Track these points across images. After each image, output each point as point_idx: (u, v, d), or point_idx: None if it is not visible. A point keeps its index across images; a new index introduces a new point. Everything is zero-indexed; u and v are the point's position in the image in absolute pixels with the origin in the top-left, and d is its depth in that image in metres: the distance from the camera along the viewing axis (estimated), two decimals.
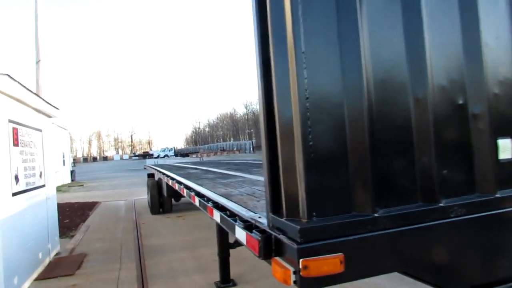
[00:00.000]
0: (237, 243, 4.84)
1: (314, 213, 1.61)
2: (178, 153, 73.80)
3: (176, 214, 10.51)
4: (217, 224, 4.66)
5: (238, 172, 6.66)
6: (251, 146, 55.85)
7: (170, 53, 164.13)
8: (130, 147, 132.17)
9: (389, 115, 1.75)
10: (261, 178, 4.51)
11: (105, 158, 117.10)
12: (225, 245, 4.71)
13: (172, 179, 6.55)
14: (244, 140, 78.68)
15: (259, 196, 3.78)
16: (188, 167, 10.19)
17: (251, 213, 2.54)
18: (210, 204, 3.79)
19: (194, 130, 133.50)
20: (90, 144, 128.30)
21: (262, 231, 2.02)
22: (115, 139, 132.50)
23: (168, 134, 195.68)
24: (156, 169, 9.46)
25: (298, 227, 1.55)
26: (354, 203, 1.65)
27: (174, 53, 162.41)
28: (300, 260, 1.55)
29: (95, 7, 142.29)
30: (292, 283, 1.64)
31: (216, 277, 5.02)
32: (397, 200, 1.74)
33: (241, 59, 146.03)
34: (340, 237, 1.57)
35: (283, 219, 1.69)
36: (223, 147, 64.17)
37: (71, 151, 29.82)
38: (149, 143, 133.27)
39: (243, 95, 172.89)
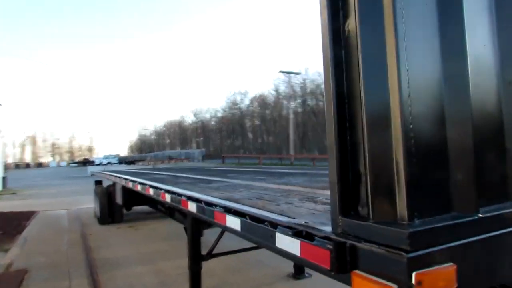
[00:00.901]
0: (211, 255, 4.47)
1: (416, 213, 1.32)
2: (123, 161, 70.62)
3: (127, 224, 9.76)
4: (191, 233, 4.27)
5: (217, 177, 6.17)
6: (200, 155, 54.90)
7: (116, 56, 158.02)
8: (69, 154, 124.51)
9: (489, 104, 1.55)
10: (253, 183, 4.21)
11: (40, 165, 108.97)
12: (198, 256, 4.30)
13: (142, 184, 5.73)
14: (192, 148, 77.36)
15: (273, 200, 3.08)
16: (150, 172, 9.55)
17: (288, 218, 2.10)
18: (219, 209, 2.95)
19: (139, 137, 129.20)
20: (23, 149, 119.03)
21: (326, 238, 1.63)
22: (52, 145, 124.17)
23: (111, 141, 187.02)
24: (113, 175, 8.67)
25: (407, 231, 1.24)
26: (454, 200, 1.39)
27: (120, 57, 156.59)
28: (413, 274, 1.21)
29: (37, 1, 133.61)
30: None
31: None
32: (501, 196, 1.51)
33: (191, 67, 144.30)
34: (448, 243, 1.29)
35: (368, 223, 1.38)
36: (170, 156, 62.47)
37: (1, 156, 27.13)
38: (90, 150, 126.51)
39: (192, 103, 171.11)
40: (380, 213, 1.35)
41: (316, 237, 1.71)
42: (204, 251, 4.37)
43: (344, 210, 1.48)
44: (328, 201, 1.71)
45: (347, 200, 1.47)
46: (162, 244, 7.31)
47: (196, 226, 4.27)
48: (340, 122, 1.46)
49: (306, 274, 5.03)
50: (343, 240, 1.47)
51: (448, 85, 1.40)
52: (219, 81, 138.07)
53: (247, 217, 2.46)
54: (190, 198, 3.77)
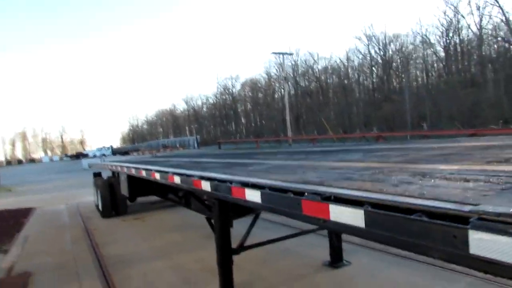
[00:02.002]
0: (242, 247, 3.93)
1: None
2: (117, 152, 69.52)
3: (132, 216, 9.20)
4: (219, 224, 3.71)
5: (247, 160, 5.17)
6: (195, 142, 54.11)
7: (104, 47, 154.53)
8: (61, 148, 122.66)
9: None
10: (306, 162, 3.61)
11: (32, 161, 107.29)
12: (228, 250, 3.75)
13: (162, 171, 4.39)
14: (186, 136, 76.35)
15: (378, 180, 2.03)
16: (157, 160, 8.90)
17: (471, 207, 1.27)
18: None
19: (131, 127, 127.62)
20: (14, 145, 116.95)
21: None
22: (43, 140, 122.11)
23: (103, 133, 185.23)
24: (118, 165, 7.95)
25: None
26: None
27: (108, 47, 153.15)
28: None
29: None
30: None
31: None
32: None
33: (179, 54, 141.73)
34: None
35: None
36: (165, 144, 61.57)
37: None
38: (82, 143, 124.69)
39: (183, 90, 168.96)
40: None
41: None
42: (233, 244, 3.83)
43: None
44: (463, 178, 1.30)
45: None
46: (175, 236, 6.77)
47: (225, 216, 3.71)
48: None
49: (345, 262, 4.52)
50: None
51: None
52: (209, 67, 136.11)
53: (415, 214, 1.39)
54: (255, 186, 2.43)
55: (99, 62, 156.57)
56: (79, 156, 72.61)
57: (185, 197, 5.47)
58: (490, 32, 41.84)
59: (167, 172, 3.73)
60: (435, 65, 49.60)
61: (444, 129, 28.65)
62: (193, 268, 4.89)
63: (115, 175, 9.64)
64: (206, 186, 3.01)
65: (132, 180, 6.90)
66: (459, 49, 45.80)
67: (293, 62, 63.75)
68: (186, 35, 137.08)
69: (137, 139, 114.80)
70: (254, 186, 2.43)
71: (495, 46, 42.60)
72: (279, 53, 40.97)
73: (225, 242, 3.77)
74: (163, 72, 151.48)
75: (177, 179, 3.46)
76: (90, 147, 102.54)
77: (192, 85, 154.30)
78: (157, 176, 4.08)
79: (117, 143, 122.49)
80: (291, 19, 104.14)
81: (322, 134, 37.88)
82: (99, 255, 5.87)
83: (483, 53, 42.85)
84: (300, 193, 1.98)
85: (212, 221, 4.29)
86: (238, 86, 79.40)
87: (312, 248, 5.19)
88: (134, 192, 7.08)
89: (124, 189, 7.48)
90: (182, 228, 7.42)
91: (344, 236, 4.66)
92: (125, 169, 6.45)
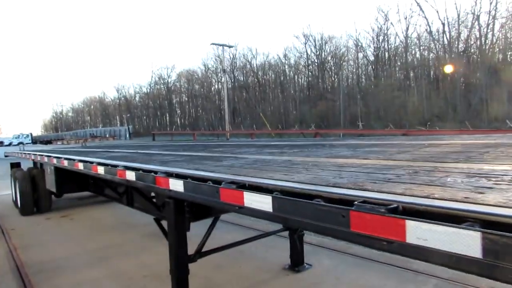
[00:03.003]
0: (200, 254, 3.45)
1: None
2: (37, 140, 63.62)
3: (58, 213, 8.16)
4: (174, 226, 3.19)
5: (212, 153, 4.55)
6: (127, 133, 51.37)
7: (26, 27, 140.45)
8: None
9: None
10: (295, 158, 3.13)
11: None
12: (183, 257, 3.25)
13: (109, 165, 3.58)
14: (116, 126, 72.27)
15: (419, 181, 1.67)
16: (91, 151, 7.91)
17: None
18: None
19: (54, 115, 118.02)
20: None
21: None
22: None
23: (22, 120, 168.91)
24: (42, 155, 6.84)
25: None
26: None
27: (33, 26, 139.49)
28: None
29: None
30: None
31: None
32: None
33: (111, 39, 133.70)
34: None
35: None
36: (94, 134, 57.66)
37: None
38: None
39: (114, 78, 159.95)
40: None
41: None
42: (192, 249, 3.34)
43: None
44: None
45: None
46: (112, 236, 6.03)
47: (181, 218, 3.20)
48: None
49: (305, 265, 4.25)
50: None
51: None
52: (144, 56, 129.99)
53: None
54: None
55: (18, 43, 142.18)
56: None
57: (126, 193, 4.81)
58: (415, 40, 45.06)
59: (115, 166, 3.12)
60: (366, 68, 52.36)
61: (377, 129, 30.25)
62: (136, 276, 4.29)
63: (38, 166, 8.50)
64: (171, 183, 2.48)
65: (61, 174, 6.02)
66: (387, 55, 48.75)
67: (232, 56, 63.29)
68: (120, 21, 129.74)
69: (61, 128, 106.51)
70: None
71: (418, 54, 46.04)
72: (219, 45, 40.31)
73: (181, 248, 3.26)
74: (93, 58, 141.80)
75: (130, 175, 2.87)
76: (6, 135, 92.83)
77: (125, 74, 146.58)
78: (101, 170, 3.43)
79: (38, 131, 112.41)
80: (231, 13, 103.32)
81: (260, 128, 38.04)
82: (18, 263, 4.98)
83: (408, 59, 46.07)
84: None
85: (162, 222, 3.76)
86: (174, 77, 76.95)
87: (272, 251, 4.86)
88: (63, 187, 6.19)
89: (50, 184, 6.52)
90: (119, 227, 6.68)
91: (305, 237, 4.39)
92: (54, 160, 5.54)
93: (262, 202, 1.77)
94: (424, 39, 43.89)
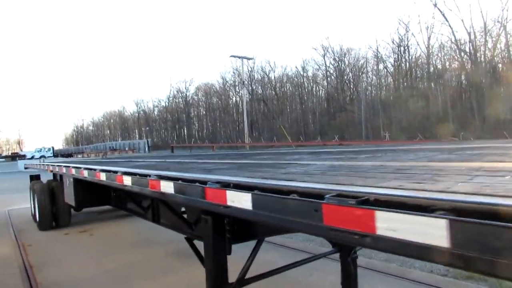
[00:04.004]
0: (242, 282, 2.88)
1: None
2: (58, 154, 64.55)
3: (77, 228, 7.74)
4: (212, 249, 2.65)
5: (263, 161, 4.01)
6: (146, 146, 51.50)
7: (48, 43, 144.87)
8: None
9: None
10: (373, 163, 2.55)
11: None
12: (224, 286, 2.69)
13: (140, 175, 2.94)
14: (135, 139, 72.73)
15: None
16: (116, 161, 7.54)
17: None
18: None
19: (75, 129, 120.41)
20: None
21: None
22: None
23: (44, 134, 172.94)
24: (61, 165, 6.38)
25: None
26: None
27: (53, 43, 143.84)
28: None
29: None
30: None
31: None
32: None
33: (130, 54, 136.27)
34: None
35: None
36: (113, 147, 58.13)
37: None
38: (19, 143, 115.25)
39: (133, 92, 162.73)
40: None
41: None
42: (233, 276, 2.77)
43: None
44: None
45: None
46: (133, 254, 5.53)
47: (221, 238, 2.65)
48: None
49: None
50: None
51: None
52: (163, 70, 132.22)
53: None
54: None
55: (41, 59, 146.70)
56: (16, 157, 66.49)
57: (152, 208, 4.29)
58: (437, 50, 44.04)
59: (146, 176, 2.60)
60: (386, 78, 51.41)
61: (403, 139, 29.28)
62: None
63: (57, 178, 8.13)
64: (232, 197, 1.87)
65: (80, 186, 5.57)
66: (407, 65, 47.78)
67: (250, 68, 63.30)
68: (140, 36, 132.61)
69: (82, 141, 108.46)
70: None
71: (440, 63, 44.92)
72: (238, 57, 40.17)
73: (220, 275, 2.70)
74: (113, 73, 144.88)
75: (166, 187, 2.31)
76: (29, 148, 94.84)
77: (144, 88, 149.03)
78: (127, 181, 2.91)
79: (59, 145, 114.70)
80: (249, 26, 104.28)
81: (280, 141, 37.45)
82: (33, 284, 4.51)
83: (430, 69, 45.00)
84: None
85: (195, 242, 3.22)
86: (192, 90, 77.48)
87: (317, 274, 4.24)
88: (82, 201, 5.73)
89: (69, 197, 6.07)
90: (141, 244, 6.17)
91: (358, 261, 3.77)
92: (73, 171, 5.08)
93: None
94: (448, 48, 42.87)
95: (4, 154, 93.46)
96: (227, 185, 1.84)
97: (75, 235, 7.12)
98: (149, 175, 2.57)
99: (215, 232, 2.63)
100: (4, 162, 68.03)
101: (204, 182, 2.01)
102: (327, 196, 1.28)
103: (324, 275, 4.17)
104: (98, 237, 6.89)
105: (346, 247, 3.53)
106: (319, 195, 1.33)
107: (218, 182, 1.88)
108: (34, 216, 8.46)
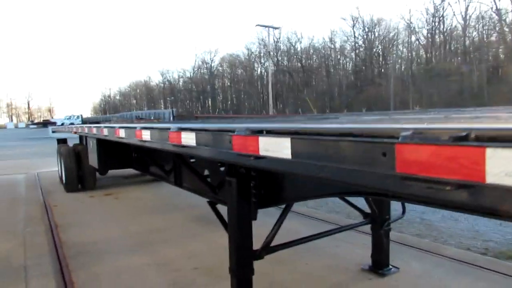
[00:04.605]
0: (268, 249, 2.71)
1: None
2: (87, 121, 66.30)
3: (102, 191, 7.81)
4: (236, 215, 2.47)
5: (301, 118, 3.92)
6: (171, 115, 51.91)
7: (77, 14, 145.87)
8: (27, 115, 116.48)
9: None
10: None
11: None
12: (248, 253, 2.53)
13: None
14: (160, 109, 73.31)
15: None
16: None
17: None
18: None
19: (103, 98, 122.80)
20: None
21: None
22: (8, 105, 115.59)
23: (73, 102, 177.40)
24: (85, 126, 6.38)
25: None
26: None
27: (83, 13, 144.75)
28: None
29: None
30: None
31: None
32: None
33: (157, 25, 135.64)
34: None
35: None
36: (139, 116, 58.97)
37: None
38: (50, 111, 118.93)
39: (159, 62, 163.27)
40: None
41: None
42: (258, 244, 2.60)
43: None
44: None
45: None
46: (156, 219, 5.48)
47: (246, 203, 2.46)
48: None
49: (391, 267, 3.40)
50: None
51: None
52: (188, 40, 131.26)
53: None
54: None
55: (71, 30, 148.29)
56: (46, 124, 68.66)
57: (174, 170, 4.15)
58: (474, 21, 41.56)
59: (166, 129, 2.39)
60: (418, 51, 49.19)
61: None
62: (184, 268, 3.65)
63: (83, 142, 8.17)
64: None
65: (104, 147, 5.51)
66: (442, 37, 45.45)
67: (275, 39, 61.90)
68: (167, 6, 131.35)
69: (109, 110, 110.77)
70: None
71: (478, 35, 42.47)
72: (264, 26, 39.20)
73: (245, 242, 2.53)
74: (139, 43, 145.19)
75: (188, 138, 2.06)
76: (59, 116, 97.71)
77: (169, 58, 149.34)
78: (146, 135, 2.72)
79: (87, 113, 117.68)
80: None
81: (305, 113, 36.87)
82: (57, 243, 4.52)
83: (467, 42, 42.67)
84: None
85: (218, 206, 3.05)
86: (217, 61, 76.88)
87: (344, 246, 4.04)
88: (105, 163, 5.68)
89: (93, 159, 6.05)
90: (165, 209, 6.13)
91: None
92: (95, 130, 4.99)
93: None
94: (487, 19, 40.32)
95: (36, 121, 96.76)
96: (259, 131, 1.53)
97: (100, 198, 7.17)
98: (169, 128, 2.36)
99: (239, 195, 2.44)
100: (36, 128, 70.54)
101: (231, 131, 1.71)
102: (403, 134, 0.93)
103: (351, 248, 3.96)
104: (122, 201, 6.91)
105: (379, 218, 3.29)
106: (387, 136, 0.99)
107: (248, 129, 1.58)
108: (61, 178, 8.60)
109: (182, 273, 3.54)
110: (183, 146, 2.16)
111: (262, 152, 1.47)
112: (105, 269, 3.68)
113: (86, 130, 5.77)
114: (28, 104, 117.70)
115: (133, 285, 3.33)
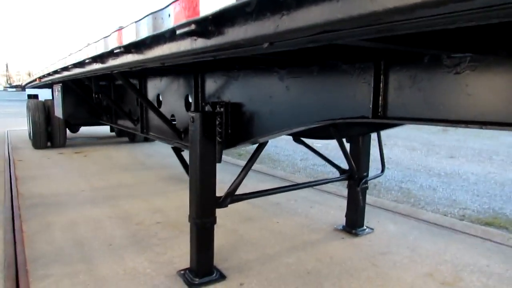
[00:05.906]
0: (232, 197, 2.47)
1: None
2: None
3: (73, 149, 7.45)
4: (198, 155, 2.21)
5: None
6: None
7: None
8: (6, 78, 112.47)
9: None
10: None
11: None
12: (211, 200, 2.29)
13: None
14: None
15: None
16: None
17: None
18: None
19: None
20: None
21: None
22: None
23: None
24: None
25: None
26: None
27: None
28: None
29: None
30: None
31: (177, 260, 2.61)
32: None
33: None
34: None
35: None
36: None
37: None
38: (29, 75, 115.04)
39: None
40: None
41: None
42: (221, 191, 2.36)
43: None
44: None
45: None
46: (125, 176, 5.20)
47: (209, 142, 2.20)
48: None
49: (366, 228, 3.23)
50: None
51: None
52: None
53: None
54: None
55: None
56: (24, 87, 66.39)
57: (141, 119, 3.85)
58: None
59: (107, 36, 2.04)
60: None
61: None
62: (147, 221, 3.41)
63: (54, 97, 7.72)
64: None
65: (69, 95, 5.09)
66: None
67: None
68: None
69: None
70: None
71: None
72: None
73: (207, 186, 2.28)
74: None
75: (130, 30, 1.73)
76: None
77: None
78: (92, 52, 2.34)
79: None
80: None
81: None
82: (13, 193, 4.21)
83: None
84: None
85: (183, 152, 2.80)
86: None
87: (318, 207, 3.87)
88: (71, 114, 5.28)
89: (58, 110, 5.64)
90: (136, 167, 5.85)
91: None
92: (58, 73, 4.43)
93: None
94: None
95: (15, 84, 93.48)
96: None
97: (70, 155, 6.81)
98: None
99: (203, 133, 2.17)
100: (15, 91, 68.11)
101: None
102: None
103: (326, 209, 3.79)
104: (91, 158, 6.57)
105: (357, 175, 3.09)
106: None
107: None
108: (30, 135, 8.18)
109: (143, 226, 3.30)
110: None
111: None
112: (61, 220, 3.41)
113: (51, 71, 5.19)
114: (7, 67, 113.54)
115: (88, 235, 3.07)
